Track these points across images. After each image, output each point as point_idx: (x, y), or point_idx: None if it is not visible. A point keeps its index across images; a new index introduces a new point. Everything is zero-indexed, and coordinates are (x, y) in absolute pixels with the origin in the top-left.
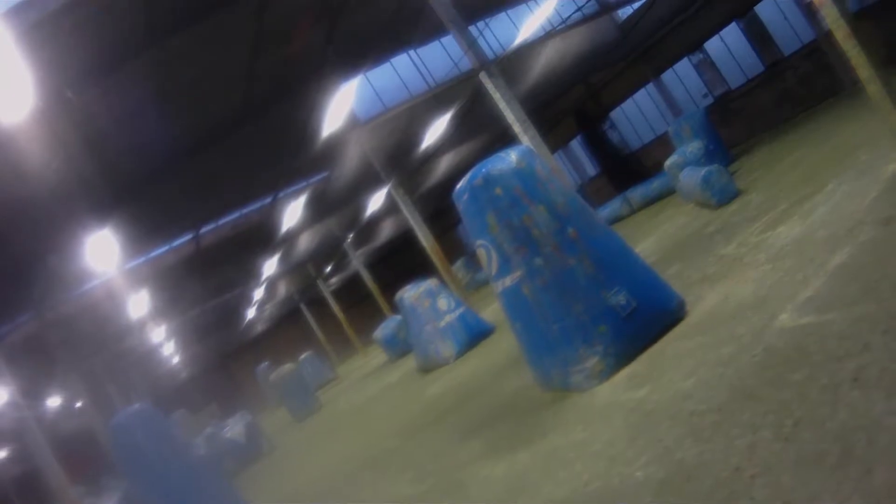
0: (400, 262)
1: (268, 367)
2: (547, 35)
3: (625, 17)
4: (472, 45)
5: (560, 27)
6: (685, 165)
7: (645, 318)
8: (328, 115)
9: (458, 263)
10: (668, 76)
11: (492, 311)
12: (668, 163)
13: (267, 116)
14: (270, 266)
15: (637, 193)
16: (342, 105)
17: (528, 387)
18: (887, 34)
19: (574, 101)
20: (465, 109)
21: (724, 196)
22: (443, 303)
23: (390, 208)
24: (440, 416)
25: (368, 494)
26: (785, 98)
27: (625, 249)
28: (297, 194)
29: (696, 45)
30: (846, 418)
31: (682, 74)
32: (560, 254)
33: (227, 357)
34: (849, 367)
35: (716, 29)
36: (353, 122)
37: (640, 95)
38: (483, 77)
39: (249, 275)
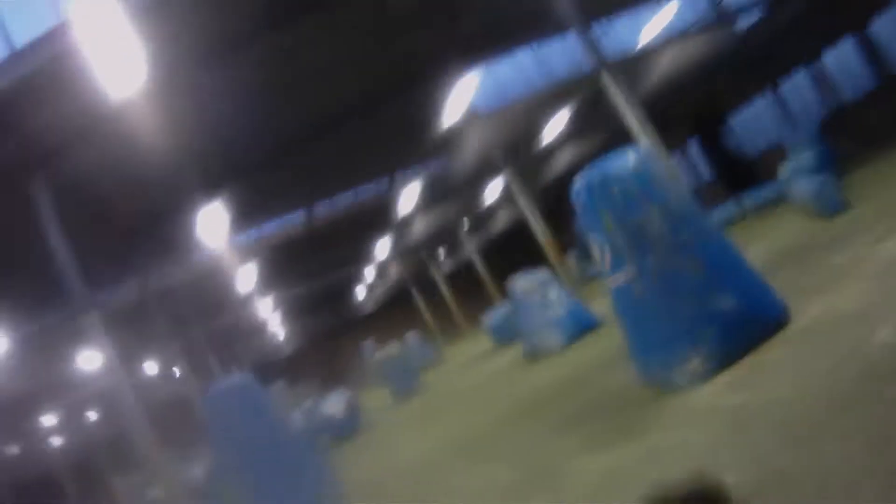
0: (513, 252)
1: (373, 346)
2: (667, 41)
3: (742, 26)
4: (592, 44)
5: (679, 34)
6: (799, 174)
7: (749, 324)
8: (448, 106)
9: (571, 256)
10: (784, 87)
11: (599, 306)
12: (782, 170)
13: (387, 105)
14: (383, 248)
15: (750, 199)
16: (462, 97)
17: (629, 383)
18: None
19: (691, 105)
20: (585, 107)
21: (836, 207)
22: (553, 294)
23: (507, 199)
24: (542, 405)
25: (460, 480)
26: None
27: (735, 255)
28: (413, 179)
29: (813, 58)
30: None
31: (799, 86)
32: (672, 255)
33: (334, 334)
34: None
35: (831, 42)
36: (473, 113)
37: (758, 104)
38: (605, 77)
39: (361, 256)
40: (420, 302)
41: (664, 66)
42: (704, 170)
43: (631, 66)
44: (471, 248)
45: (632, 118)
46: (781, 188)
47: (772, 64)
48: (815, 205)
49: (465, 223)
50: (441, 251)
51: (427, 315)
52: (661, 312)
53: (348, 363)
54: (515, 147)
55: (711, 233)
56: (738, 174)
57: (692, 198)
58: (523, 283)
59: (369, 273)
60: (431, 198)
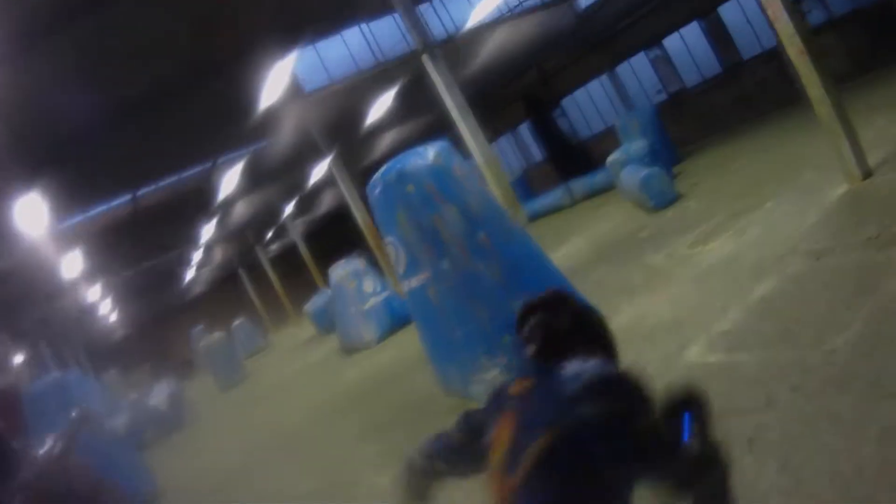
0: (337, 235)
1: (201, 331)
2: (500, 18)
3: (585, 5)
4: (416, 24)
5: (517, 10)
6: (628, 163)
7: None
8: (267, 86)
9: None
10: (622, 69)
11: None
12: (610, 159)
13: (208, 86)
14: (209, 230)
15: (579, 185)
16: (282, 76)
17: (434, 388)
18: (851, 47)
19: (525, 85)
20: (408, 90)
21: (662, 200)
22: (369, 285)
23: (330, 181)
24: (350, 405)
25: (265, 486)
26: (740, 102)
27: (538, 257)
28: (235, 161)
29: (655, 41)
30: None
31: (638, 68)
32: (468, 258)
33: (166, 318)
34: (748, 424)
35: (676, 26)
36: (297, 92)
37: (594, 86)
38: (425, 59)
39: (188, 238)
40: (248, 285)
41: (498, 43)
42: (538, 151)
43: (457, 46)
44: (295, 232)
45: (451, 102)
46: (610, 176)
47: (611, 45)
48: (642, 197)
49: (290, 206)
50: (268, 234)
51: (256, 298)
52: (457, 319)
53: (180, 348)
54: (340, 128)
55: (513, 234)
56: (571, 157)
57: (492, 197)
58: (339, 271)
59: (197, 256)
60: (254, 180)
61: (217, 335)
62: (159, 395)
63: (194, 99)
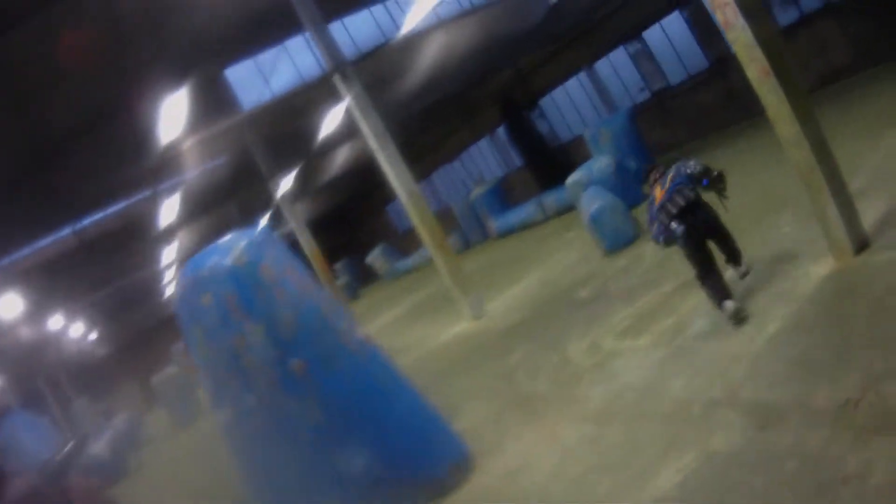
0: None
1: (182, 348)
2: (442, 21)
3: None
4: (325, 41)
5: (471, 8)
6: (589, 184)
7: (395, 490)
8: (169, 118)
9: (377, 251)
10: (602, 65)
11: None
12: (569, 180)
13: (126, 116)
14: (170, 253)
15: (552, 199)
16: (179, 107)
17: None
18: (853, 35)
19: (501, 85)
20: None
21: (616, 242)
22: None
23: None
24: None
25: None
26: (730, 100)
27: (382, 387)
28: (175, 189)
29: (634, 34)
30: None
31: (618, 65)
32: (277, 393)
33: (148, 334)
34: None
35: (656, 17)
36: (235, 113)
37: (573, 84)
38: (337, 81)
39: (149, 260)
40: None
41: (453, 44)
42: (516, 157)
43: (385, 58)
44: None
45: (367, 129)
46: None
47: (588, 39)
48: (593, 236)
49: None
50: None
51: None
52: (265, 471)
53: (161, 368)
54: (281, 151)
55: (344, 357)
56: (551, 162)
57: (321, 304)
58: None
59: (168, 275)
60: (195, 208)
61: (172, 369)
62: (105, 438)
63: (122, 129)
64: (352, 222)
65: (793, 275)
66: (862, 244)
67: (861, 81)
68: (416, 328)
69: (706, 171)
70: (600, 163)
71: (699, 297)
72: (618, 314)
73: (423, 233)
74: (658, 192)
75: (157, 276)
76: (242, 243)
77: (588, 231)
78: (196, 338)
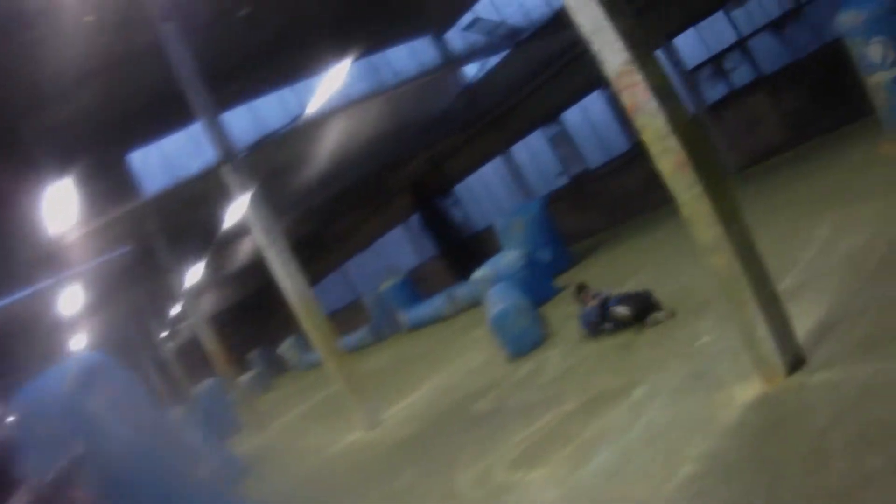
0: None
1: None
2: (348, 106)
3: (472, 79)
4: (217, 132)
5: (377, 93)
6: (497, 280)
7: None
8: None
9: (288, 342)
10: (518, 149)
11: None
12: (474, 276)
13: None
14: (78, 342)
15: (462, 292)
16: (69, 195)
17: None
18: (786, 111)
19: (414, 171)
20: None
21: (521, 346)
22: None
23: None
24: None
25: None
26: (652, 183)
27: None
28: (72, 280)
29: (552, 116)
30: None
31: (535, 149)
32: None
33: None
34: None
35: (575, 98)
36: (134, 200)
37: (488, 170)
38: (226, 172)
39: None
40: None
41: (354, 132)
42: (429, 247)
43: (285, 145)
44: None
45: (258, 227)
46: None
47: (503, 123)
48: (499, 337)
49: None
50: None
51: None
52: None
53: None
54: (185, 241)
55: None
56: (466, 252)
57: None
58: None
59: None
60: (101, 297)
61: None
62: None
63: None
64: (265, 311)
65: (713, 399)
66: (796, 362)
67: (793, 159)
68: (313, 433)
69: (631, 318)
70: (508, 257)
71: (604, 421)
72: (514, 436)
73: (315, 338)
74: (591, 302)
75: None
76: (74, 371)
77: (491, 334)
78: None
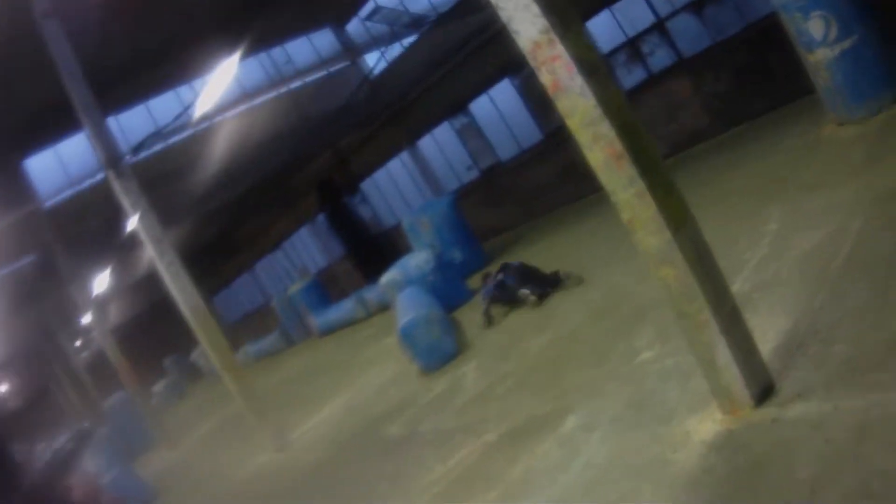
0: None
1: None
2: (245, 103)
3: (377, 72)
4: (100, 136)
5: (274, 86)
6: (407, 284)
7: None
8: None
9: (201, 349)
10: (425, 143)
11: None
12: (382, 280)
13: None
14: None
15: (373, 294)
16: None
17: None
18: (709, 94)
19: (318, 169)
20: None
21: (433, 360)
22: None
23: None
24: None
25: None
26: (568, 175)
27: None
28: None
29: (459, 107)
30: None
31: (443, 142)
32: None
33: None
34: None
35: (483, 87)
36: (31, 207)
37: (395, 165)
38: (111, 177)
39: None
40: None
41: (253, 130)
42: (337, 247)
43: (180, 148)
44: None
45: (146, 236)
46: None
47: (407, 116)
48: (409, 350)
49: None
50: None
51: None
52: None
53: None
54: (87, 249)
55: None
56: (374, 250)
57: None
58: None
59: None
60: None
61: None
62: None
63: None
64: (178, 316)
65: (663, 435)
66: (764, 391)
67: (722, 146)
68: (223, 451)
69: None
70: (418, 258)
71: (532, 459)
72: (429, 472)
73: (212, 354)
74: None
75: None
76: None
77: (400, 346)
78: None
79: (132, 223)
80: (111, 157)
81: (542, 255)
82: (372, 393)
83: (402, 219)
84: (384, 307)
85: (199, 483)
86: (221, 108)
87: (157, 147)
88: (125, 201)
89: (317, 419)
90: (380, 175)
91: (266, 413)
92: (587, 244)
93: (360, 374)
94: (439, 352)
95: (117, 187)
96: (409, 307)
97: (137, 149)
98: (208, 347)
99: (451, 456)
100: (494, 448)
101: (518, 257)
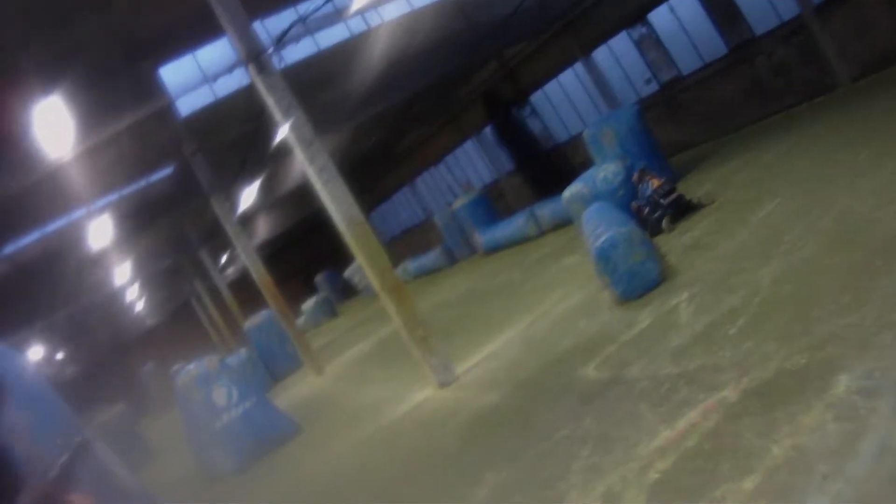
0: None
1: (152, 367)
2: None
3: None
4: (241, 31)
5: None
6: (592, 199)
7: None
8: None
9: (355, 265)
10: (601, 54)
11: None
12: (566, 194)
13: None
14: (123, 273)
15: (547, 211)
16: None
17: None
18: None
19: (485, 80)
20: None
21: (634, 287)
22: (220, 395)
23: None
24: None
25: None
26: (754, 91)
27: None
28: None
29: (638, 16)
30: None
31: (620, 53)
32: None
33: (118, 355)
34: None
35: None
36: (169, 118)
37: (568, 77)
38: (253, 74)
39: (98, 283)
40: (203, 314)
41: (416, 36)
42: (507, 160)
43: (341, 52)
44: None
45: (293, 137)
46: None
47: (583, 24)
48: (602, 278)
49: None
50: (221, 259)
51: (212, 327)
52: None
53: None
54: (230, 162)
55: None
56: (546, 166)
57: None
58: (183, 378)
59: (132, 293)
60: (135, 227)
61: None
62: None
63: None
64: (331, 231)
65: None
66: None
67: None
68: (374, 382)
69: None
70: (606, 171)
71: (798, 431)
72: (650, 436)
73: (369, 271)
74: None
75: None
76: None
77: (595, 269)
78: None
79: (278, 124)
80: (252, 50)
81: (742, 172)
82: (555, 322)
83: (580, 130)
84: (559, 224)
85: (346, 420)
86: (378, 2)
87: (310, 53)
88: (269, 100)
89: (488, 351)
90: (551, 88)
91: (428, 341)
92: (792, 164)
93: (538, 300)
94: (641, 278)
95: (260, 85)
96: (603, 225)
97: (281, 40)
98: (365, 264)
99: (677, 415)
100: (738, 410)
101: (713, 175)
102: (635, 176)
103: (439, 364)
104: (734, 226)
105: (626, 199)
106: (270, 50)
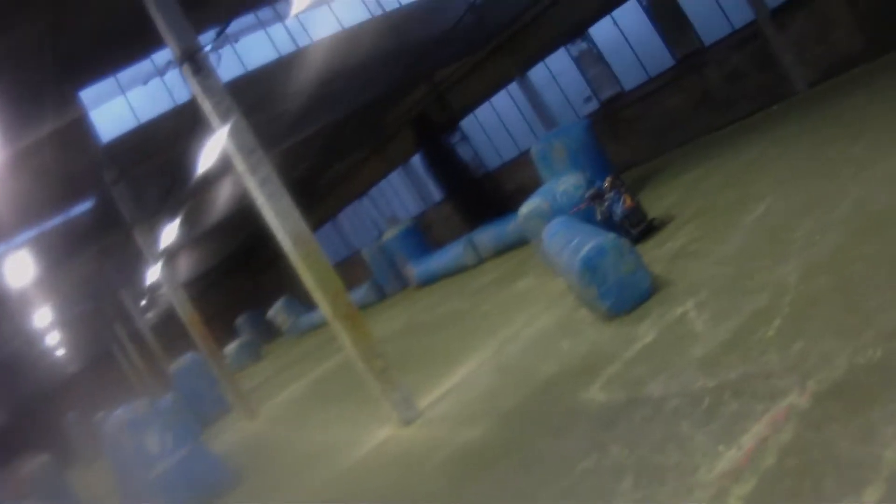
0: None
1: (76, 416)
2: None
3: None
4: (175, 28)
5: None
6: (553, 215)
7: None
8: None
9: (279, 305)
10: (538, 73)
11: (247, 430)
12: (523, 210)
13: None
14: (42, 316)
15: (487, 237)
16: None
17: None
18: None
19: (414, 104)
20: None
21: (626, 298)
22: (153, 441)
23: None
24: None
25: None
26: (704, 102)
27: None
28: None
29: (577, 31)
30: None
31: (558, 71)
32: None
33: (36, 405)
34: None
35: (606, 9)
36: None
37: (502, 99)
38: (189, 75)
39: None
40: (126, 360)
41: (343, 58)
42: (436, 190)
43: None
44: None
45: (233, 146)
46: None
47: (517, 42)
48: (588, 291)
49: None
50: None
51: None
52: None
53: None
54: (151, 192)
55: None
56: (477, 194)
57: None
58: (114, 424)
59: (50, 339)
60: (56, 266)
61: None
62: None
63: None
64: (253, 270)
65: None
66: None
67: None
68: (320, 424)
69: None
70: (565, 183)
71: None
72: (706, 461)
73: (319, 294)
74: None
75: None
76: None
77: (577, 283)
78: None
79: (216, 131)
80: (187, 49)
81: (708, 180)
82: (527, 347)
83: (514, 155)
84: (501, 251)
85: (294, 467)
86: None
87: (236, 74)
88: (206, 104)
89: (451, 383)
90: (483, 111)
91: (389, 373)
92: (773, 165)
93: (499, 324)
94: (633, 289)
95: (196, 87)
96: (580, 236)
97: (219, 36)
98: (314, 287)
99: (736, 431)
100: (817, 417)
101: (673, 187)
102: (608, 181)
103: (400, 399)
104: (723, 231)
105: (588, 213)
106: (208, 48)
